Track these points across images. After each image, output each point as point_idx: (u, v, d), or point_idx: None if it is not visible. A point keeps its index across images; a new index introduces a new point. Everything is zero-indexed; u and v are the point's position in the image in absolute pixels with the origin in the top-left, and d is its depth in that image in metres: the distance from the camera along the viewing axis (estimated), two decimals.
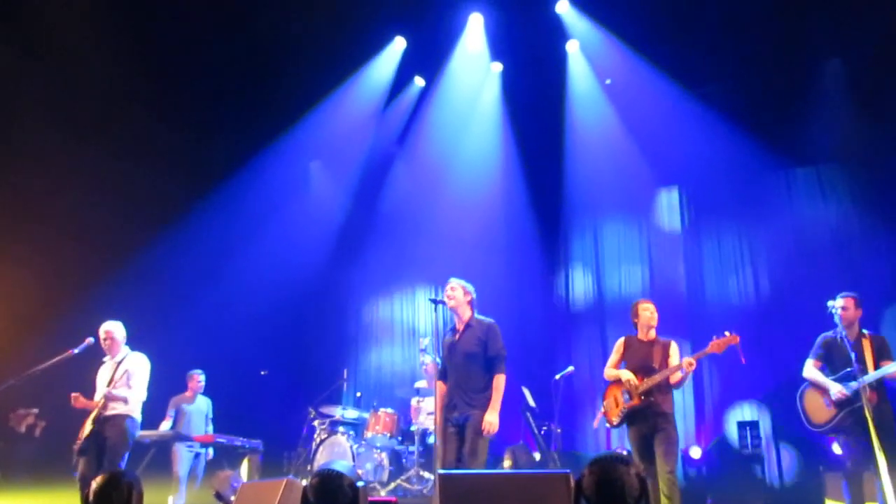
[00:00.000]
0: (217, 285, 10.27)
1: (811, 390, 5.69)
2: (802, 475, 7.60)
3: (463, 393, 5.35)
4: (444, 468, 5.18)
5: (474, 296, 5.65)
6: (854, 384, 5.31)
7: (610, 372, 5.85)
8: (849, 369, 5.36)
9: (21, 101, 9.22)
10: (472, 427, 5.22)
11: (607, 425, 5.86)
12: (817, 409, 5.59)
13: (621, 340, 5.94)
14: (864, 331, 5.55)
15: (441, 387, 5.66)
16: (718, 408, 9.15)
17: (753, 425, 8.77)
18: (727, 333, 5.56)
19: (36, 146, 9.42)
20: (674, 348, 5.73)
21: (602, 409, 5.90)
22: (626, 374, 5.63)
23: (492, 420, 5.20)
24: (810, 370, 5.71)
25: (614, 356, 5.90)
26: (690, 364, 5.42)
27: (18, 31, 9.03)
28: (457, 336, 5.54)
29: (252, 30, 9.28)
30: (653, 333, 5.81)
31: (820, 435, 5.76)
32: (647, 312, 5.79)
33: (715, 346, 5.53)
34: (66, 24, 8.71)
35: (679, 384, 5.63)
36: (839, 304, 5.53)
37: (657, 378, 5.50)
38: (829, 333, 5.66)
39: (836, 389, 5.42)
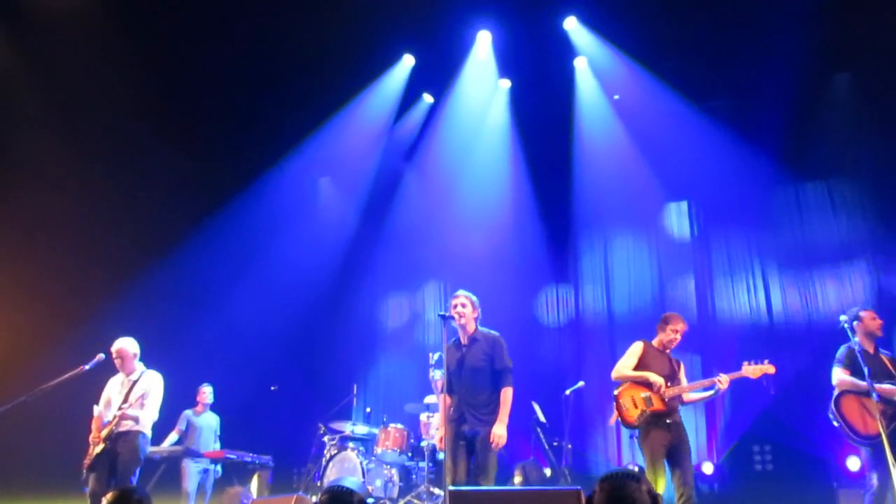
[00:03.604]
0: (227, 301, 10.32)
1: (849, 398, 5.40)
2: (815, 492, 7.51)
3: (471, 407, 5.35)
4: (454, 483, 5.17)
5: (480, 311, 5.62)
6: None
7: (626, 372, 5.61)
8: (890, 381, 5.26)
9: (29, 119, 9.34)
10: (481, 442, 5.22)
11: (624, 426, 5.59)
12: (864, 418, 5.28)
13: (640, 345, 5.75)
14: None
15: (447, 400, 5.65)
16: (730, 423, 9.07)
17: (765, 441, 8.69)
18: (766, 362, 5.48)
19: (44, 164, 9.49)
20: (682, 367, 5.75)
21: (616, 410, 5.59)
22: (655, 377, 5.46)
23: (500, 433, 5.20)
24: (844, 377, 5.44)
25: (631, 359, 5.68)
26: (721, 381, 5.40)
27: (25, 47, 9.14)
28: (462, 350, 5.53)
29: (261, 47, 9.37)
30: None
31: (850, 447, 5.57)
32: (678, 335, 5.68)
33: (749, 371, 5.46)
34: (73, 40, 8.80)
35: (694, 400, 5.65)
36: (867, 315, 5.51)
37: (686, 387, 5.54)
38: (850, 344, 5.53)
39: None
